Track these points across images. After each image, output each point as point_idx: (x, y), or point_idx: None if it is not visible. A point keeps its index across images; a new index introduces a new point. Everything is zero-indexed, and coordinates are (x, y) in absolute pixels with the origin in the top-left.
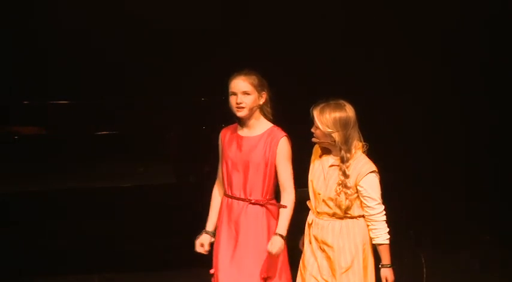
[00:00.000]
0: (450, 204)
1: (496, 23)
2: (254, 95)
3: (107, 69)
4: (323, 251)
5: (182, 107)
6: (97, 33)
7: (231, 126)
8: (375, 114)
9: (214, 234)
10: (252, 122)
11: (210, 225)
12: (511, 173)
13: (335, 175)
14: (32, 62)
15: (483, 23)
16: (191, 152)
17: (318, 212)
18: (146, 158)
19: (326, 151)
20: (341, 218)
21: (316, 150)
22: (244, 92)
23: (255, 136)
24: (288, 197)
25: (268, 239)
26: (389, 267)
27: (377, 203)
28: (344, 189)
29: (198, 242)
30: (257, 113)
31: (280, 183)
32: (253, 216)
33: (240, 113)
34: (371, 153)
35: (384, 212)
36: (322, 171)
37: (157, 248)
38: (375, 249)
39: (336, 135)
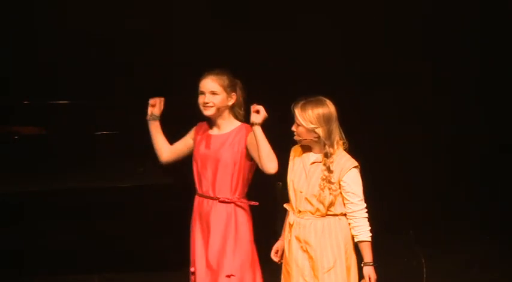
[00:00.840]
0: (450, 204)
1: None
2: (222, 95)
3: (107, 69)
4: (305, 251)
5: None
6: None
7: (206, 123)
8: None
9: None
10: (220, 121)
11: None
12: (511, 172)
13: (317, 172)
14: (33, 62)
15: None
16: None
17: (300, 211)
18: (146, 158)
19: (306, 149)
20: (323, 216)
21: (295, 150)
22: (212, 91)
23: (223, 134)
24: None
25: (236, 237)
26: (371, 265)
27: (360, 199)
28: (328, 185)
29: None
30: (226, 113)
31: (257, 159)
32: (220, 213)
33: (207, 112)
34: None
35: (366, 209)
36: (304, 169)
37: (158, 248)
38: (357, 248)
39: (320, 131)
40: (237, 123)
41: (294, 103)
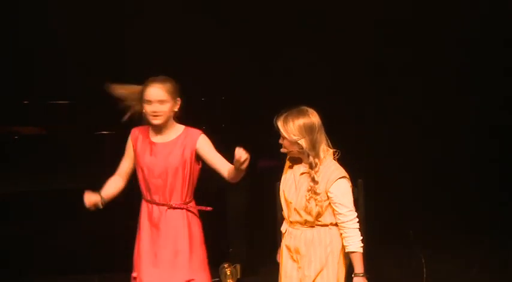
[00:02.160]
0: (450, 204)
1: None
2: (170, 102)
3: (107, 69)
4: (294, 261)
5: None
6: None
7: (142, 128)
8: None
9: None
10: (165, 128)
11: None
12: (511, 172)
13: (306, 183)
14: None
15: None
16: None
17: (291, 221)
18: None
19: (297, 161)
20: (312, 226)
21: (289, 160)
22: (159, 100)
23: (169, 141)
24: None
25: (190, 241)
26: (362, 276)
27: (348, 209)
28: (314, 196)
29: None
30: (171, 119)
31: (218, 167)
32: (174, 220)
33: (156, 121)
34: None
35: (357, 219)
36: (294, 180)
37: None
38: (349, 258)
39: (303, 142)
40: (181, 128)
41: (276, 116)
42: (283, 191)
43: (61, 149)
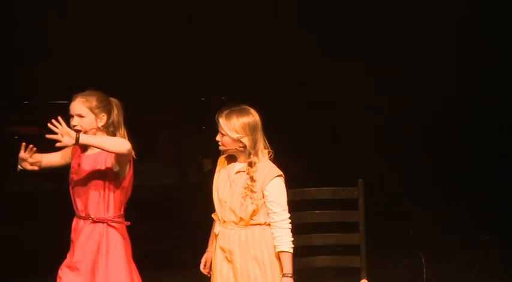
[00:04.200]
0: (450, 204)
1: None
2: (90, 117)
3: (107, 69)
4: (229, 261)
5: (182, 107)
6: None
7: None
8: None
9: None
10: None
11: None
12: (511, 172)
13: (241, 181)
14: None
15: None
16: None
17: (224, 221)
18: (146, 158)
19: (231, 159)
20: (246, 226)
21: (221, 160)
22: (78, 114)
23: (93, 154)
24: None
25: (107, 258)
26: (290, 276)
27: (283, 209)
28: (250, 193)
29: None
30: (99, 134)
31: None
32: (92, 234)
33: None
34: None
35: (289, 220)
36: (228, 179)
37: (157, 248)
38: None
39: (246, 140)
40: None
41: (218, 113)
42: (217, 191)
43: (60, 149)
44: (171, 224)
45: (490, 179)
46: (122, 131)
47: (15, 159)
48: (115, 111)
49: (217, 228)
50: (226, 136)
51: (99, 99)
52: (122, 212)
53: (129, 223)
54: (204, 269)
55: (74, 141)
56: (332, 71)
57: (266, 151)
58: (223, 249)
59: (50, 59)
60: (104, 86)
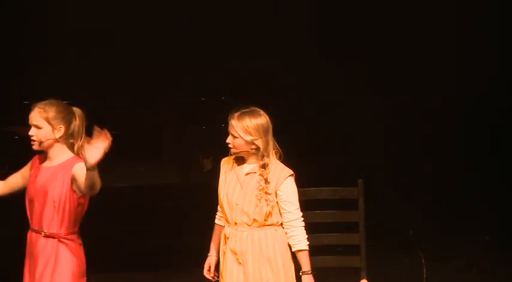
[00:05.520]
0: (450, 204)
1: None
2: (46, 128)
3: (106, 69)
4: (240, 263)
5: (182, 107)
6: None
7: (43, 154)
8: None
9: None
10: (52, 153)
11: None
12: (511, 172)
13: (253, 182)
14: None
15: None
16: (191, 151)
17: (236, 223)
18: (146, 158)
19: (239, 160)
20: (260, 227)
21: (226, 162)
22: (35, 125)
23: (52, 166)
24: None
25: (54, 275)
26: (310, 273)
27: (296, 208)
28: (265, 196)
29: None
30: (58, 145)
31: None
32: (44, 249)
33: (33, 146)
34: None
35: (303, 218)
36: (238, 180)
37: (157, 248)
38: (294, 258)
39: (260, 142)
40: (70, 155)
41: (229, 115)
42: (226, 194)
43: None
44: (170, 224)
45: (490, 179)
46: (81, 141)
47: (16, 159)
48: (76, 122)
49: (227, 230)
50: (239, 138)
51: (57, 110)
52: (76, 229)
53: (80, 242)
54: (208, 273)
55: (96, 160)
56: (332, 71)
57: (274, 151)
58: (234, 252)
59: (50, 58)
60: (104, 86)
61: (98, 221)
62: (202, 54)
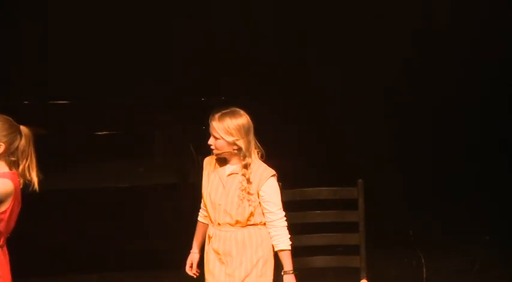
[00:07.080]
0: (450, 204)
1: None
2: None
3: (107, 69)
4: (223, 263)
5: (182, 107)
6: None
7: None
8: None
9: None
10: None
11: None
12: (511, 172)
13: (235, 183)
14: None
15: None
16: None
17: (219, 224)
18: (146, 158)
19: (221, 161)
20: (243, 227)
21: (208, 162)
22: None
23: None
24: None
25: None
26: (292, 273)
27: (278, 208)
28: (247, 196)
29: None
30: None
31: None
32: None
33: None
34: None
35: (285, 218)
36: (220, 181)
37: (157, 248)
38: (276, 257)
39: (241, 143)
40: (4, 171)
41: (210, 116)
42: (209, 194)
43: (60, 149)
44: (170, 224)
45: (490, 178)
46: (28, 162)
47: None
48: (21, 141)
49: (210, 230)
50: (221, 139)
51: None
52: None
53: (7, 256)
54: (190, 270)
55: None
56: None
57: (256, 151)
58: (217, 252)
59: (50, 59)
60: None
61: (98, 221)
62: (202, 54)
